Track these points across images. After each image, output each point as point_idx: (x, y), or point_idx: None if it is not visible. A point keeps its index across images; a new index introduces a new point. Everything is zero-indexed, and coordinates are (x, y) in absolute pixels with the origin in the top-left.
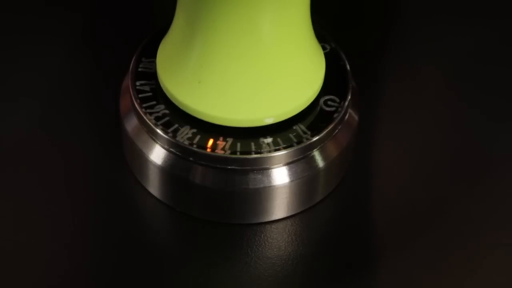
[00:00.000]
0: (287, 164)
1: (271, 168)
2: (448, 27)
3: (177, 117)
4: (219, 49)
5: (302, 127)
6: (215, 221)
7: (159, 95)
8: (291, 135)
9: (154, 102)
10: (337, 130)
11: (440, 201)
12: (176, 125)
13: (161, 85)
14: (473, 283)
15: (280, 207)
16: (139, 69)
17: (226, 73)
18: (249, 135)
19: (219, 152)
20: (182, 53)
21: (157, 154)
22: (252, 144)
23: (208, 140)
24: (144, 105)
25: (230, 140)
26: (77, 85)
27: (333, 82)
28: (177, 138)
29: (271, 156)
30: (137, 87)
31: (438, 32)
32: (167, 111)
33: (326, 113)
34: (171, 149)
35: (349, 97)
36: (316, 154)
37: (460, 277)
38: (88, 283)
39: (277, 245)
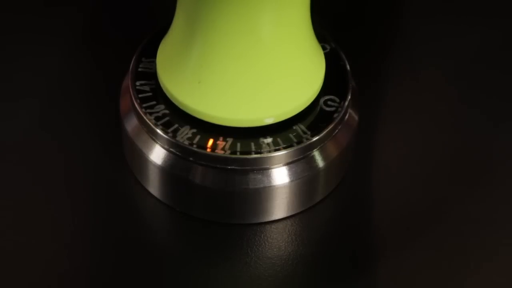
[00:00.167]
0: (287, 164)
1: (271, 168)
2: (448, 27)
3: (177, 117)
4: (219, 49)
5: (302, 127)
6: (215, 221)
7: (159, 95)
8: (291, 135)
9: (154, 102)
10: (337, 130)
11: (440, 201)
12: (176, 125)
13: (161, 85)
14: (474, 283)
15: (280, 207)
16: (139, 69)
17: (226, 73)
18: (249, 135)
19: (219, 152)
20: (182, 53)
21: (157, 154)
22: (252, 144)
23: (208, 140)
24: (144, 105)
25: (230, 140)
26: (77, 85)
27: (333, 82)
28: (177, 138)
29: (271, 156)
30: (137, 87)
31: (438, 32)
32: (167, 111)
33: (326, 113)
34: (171, 149)
35: (349, 97)
36: (316, 154)
37: (460, 277)
38: (88, 283)
39: (277, 245)
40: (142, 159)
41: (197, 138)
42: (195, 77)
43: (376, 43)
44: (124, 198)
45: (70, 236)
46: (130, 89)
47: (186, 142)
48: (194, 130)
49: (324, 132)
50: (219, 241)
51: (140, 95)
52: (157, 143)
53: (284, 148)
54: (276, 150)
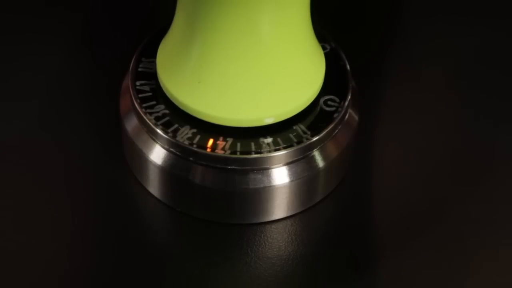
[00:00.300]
0: (287, 164)
1: (271, 168)
2: (448, 27)
3: (177, 117)
4: (219, 49)
5: (302, 127)
6: (215, 221)
7: (159, 95)
8: (291, 135)
9: (154, 102)
10: (337, 130)
11: (440, 201)
12: (176, 125)
13: (161, 85)
14: (474, 283)
15: (280, 207)
16: (139, 69)
17: (226, 73)
18: (249, 135)
19: (219, 152)
20: (182, 53)
21: (157, 154)
22: (252, 144)
23: (208, 140)
24: (144, 105)
25: (230, 140)
26: (77, 85)
27: (333, 82)
28: (177, 138)
29: (271, 156)
30: (137, 87)
31: (438, 32)
32: (167, 111)
33: (326, 113)
34: (171, 149)
35: (349, 97)
36: (316, 154)
37: (460, 277)
38: (88, 283)
39: (277, 245)
40: (142, 159)
41: (197, 138)
42: (195, 77)
43: (376, 43)
44: (124, 198)
45: (70, 236)
46: (130, 89)
47: (186, 142)
48: (194, 130)
49: (324, 132)
50: (219, 241)
51: (140, 95)
52: (157, 143)
53: (284, 148)
54: (276, 150)
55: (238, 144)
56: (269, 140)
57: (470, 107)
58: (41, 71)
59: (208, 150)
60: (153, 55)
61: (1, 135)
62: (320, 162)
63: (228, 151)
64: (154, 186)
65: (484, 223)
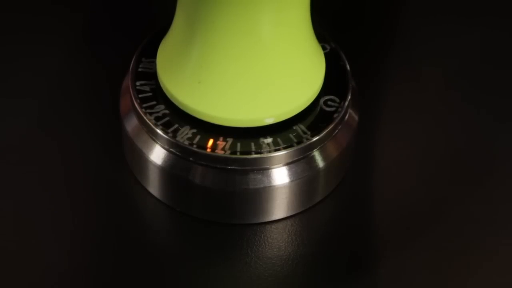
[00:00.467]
0: (287, 164)
1: (271, 168)
2: (448, 27)
3: (177, 117)
4: (219, 49)
5: (302, 127)
6: (215, 221)
7: (159, 95)
8: (291, 135)
9: (154, 102)
10: (337, 130)
11: (440, 201)
12: (176, 125)
13: (161, 85)
14: (474, 283)
15: (280, 207)
16: (139, 69)
17: (226, 73)
18: (249, 135)
19: (219, 152)
20: (182, 53)
21: (157, 154)
22: (252, 144)
23: (208, 140)
24: (144, 105)
25: (230, 140)
26: (77, 85)
27: (333, 82)
28: (177, 138)
29: (271, 156)
30: (137, 87)
31: (438, 32)
32: (167, 111)
33: (326, 113)
34: (171, 149)
35: (349, 97)
36: (316, 154)
37: (460, 277)
38: (88, 283)
39: (277, 245)
40: (142, 159)
41: (197, 138)
42: (195, 77)
43: (376, 43)
44: (124, 198)
45: (70, 236)
46: (130, 89)
47: (186, 142)
48: (194, 130)
49: (324, 132)
50: (219, 241)
51: (140, 95)
52: (157, 143)
53: (284, 148)
54: (276, 150)
55: (238, 144)
56: (269, 140)
57: (470, 107)
58: (41, 71)
59: (208, 150)
60: (153, 55)
61: (1, 135)
62: (320, 162)
63: (228, 151)
64: (154, 186)
65: (484, 223)
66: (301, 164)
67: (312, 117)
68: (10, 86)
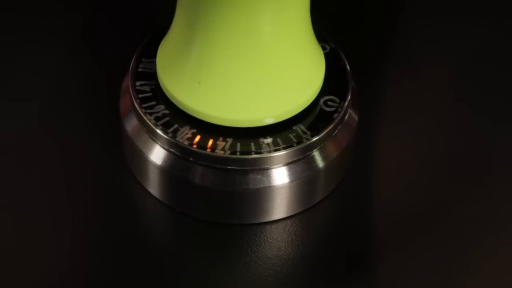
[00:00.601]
0: (287, 164)
1: (271, 168)
2: (448, 27)
3: (177, 117)
4: (219, 49)
5: (302, 127)
6: (215, 221)
7: (159, 95)
8: (291, 135)
9: (154, 102)
10: (337, 130)
11: (440, 201)
12: (176, 125)
13: (161, 85)
14: (474, 283)
15: (280, 207)
16: (139, 69)
17: (226, 73)
18: (249, 135)
19: (219, 152)
20: (182, 54)
21: (157, 154)
22: (252, 144)
23: (208, 140)
24: (144, 105)
25: (230, 140)
26: (77, 85)
27: (333, 82)
28: (177, 138)
29: (271, 156)
30: (137, 87)
31: (438, 32)
32: (167, 111)
33: (326, 113)
34: (171, 149)
35: (349, 97)
36: (316, 154)
37: (460, 277)
38: (88, 283)
39: (277, 245)
40: (142, 159)
41: (197, 138)
42: (195, 77)
43: (376, 43)
44: (124, 198)
45: (70, 236)
46: (130, 89)
47: (186, 142)
48: (194, 130)
49: (324, 132)
50: (219, 241)
51: (140, 95)
52: (157, 143)
53: (284, 148)
54: (276, 150)
55: (238, 145)
56: (269, 140)
57: (470, 107)
58: (41, 71)
59: (208, 150)
60: (153, 55)
61: (1, 135)
62: (320, 162)
63: (228, 152)
64: (154, 186)
65: (484, 223)
66: (301, 164)
67: (312, 117)
68: (10, 86)
